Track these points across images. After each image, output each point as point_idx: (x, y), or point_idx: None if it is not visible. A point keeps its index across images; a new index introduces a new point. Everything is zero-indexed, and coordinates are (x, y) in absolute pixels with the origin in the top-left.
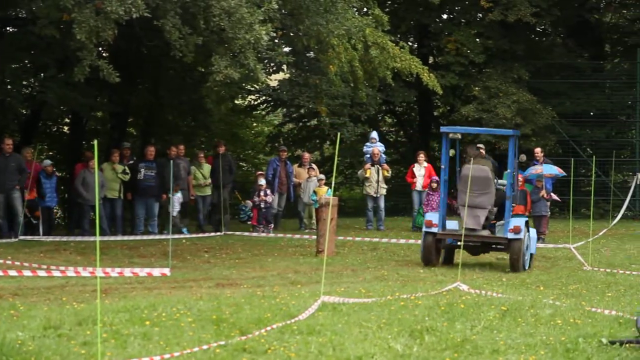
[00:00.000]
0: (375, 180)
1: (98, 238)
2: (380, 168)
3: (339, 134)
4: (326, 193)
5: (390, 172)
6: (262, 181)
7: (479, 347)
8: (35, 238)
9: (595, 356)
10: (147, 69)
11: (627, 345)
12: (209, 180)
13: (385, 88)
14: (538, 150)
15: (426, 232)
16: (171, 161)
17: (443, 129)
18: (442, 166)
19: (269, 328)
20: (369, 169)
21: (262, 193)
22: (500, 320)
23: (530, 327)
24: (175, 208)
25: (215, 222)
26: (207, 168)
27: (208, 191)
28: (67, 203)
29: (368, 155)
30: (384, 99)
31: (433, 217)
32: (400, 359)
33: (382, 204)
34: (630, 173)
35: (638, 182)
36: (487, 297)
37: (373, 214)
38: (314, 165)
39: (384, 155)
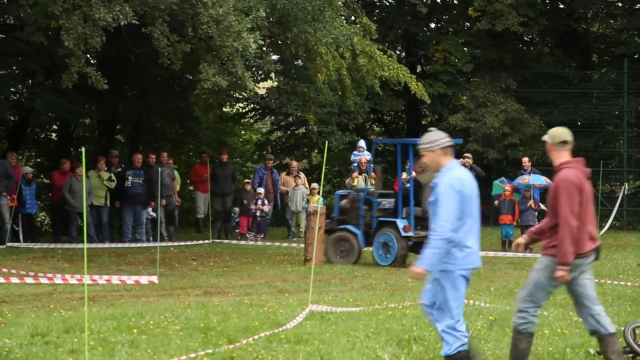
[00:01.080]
0: None
1: (86, 245)
2: (367, 177)
3: (326, 142)
4: (318, 202)
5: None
6: (261, 190)
7: None
8: (23, 245)
9: None
10: (135, 76)
11: None
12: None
13: (373, 96)
14: (525, 159)
15: (403, 237)
16: (159, 169)
17: (375, 140)
18: (411, 174)
19: (256, 337)
20: (357, 177)
21: (259, 202)
22: (488, 330)
23: None
24: (151, 214)
25: (218, 230)
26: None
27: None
28: (53, 210)
29: (355, 164)
30: (372, 108)
31: (406, 222)
32: None
33: None
34: (618, 183)
35: (626, 192)
36: (475, 307)
37: None
38: (301, 174)
39: (371, 164)
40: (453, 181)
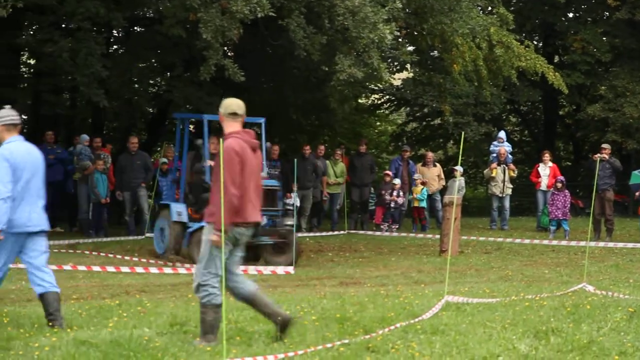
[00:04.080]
0: (501, 180)
1: (223, 236)
2: (506, 168)
3: (462, 133)
4: (421, 193)
5: (516, 172)
6: (397, 181)
7: (606, 349)
8: None
9: None
10: (272, 68)
11: None
12: (341, 179)
13: (510, 87)
14: None
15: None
16: (294, 160)
17: (176, 115)
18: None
19: (392, 327)
20: (495, 168)
21: (394, 193)
22: (627, 322)
23: None
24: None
25: (354, 221)
26: (340, 167)
27: (338, 189)
28: None
29: (494, 155)
30: (508, 98)
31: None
32: (524, 359)
33: (507, 203)
34: None
35: None
36: (614, 299)
37: (497, 214)
38: (437, 165)
39: (510, 156)
40: (4, 152)
